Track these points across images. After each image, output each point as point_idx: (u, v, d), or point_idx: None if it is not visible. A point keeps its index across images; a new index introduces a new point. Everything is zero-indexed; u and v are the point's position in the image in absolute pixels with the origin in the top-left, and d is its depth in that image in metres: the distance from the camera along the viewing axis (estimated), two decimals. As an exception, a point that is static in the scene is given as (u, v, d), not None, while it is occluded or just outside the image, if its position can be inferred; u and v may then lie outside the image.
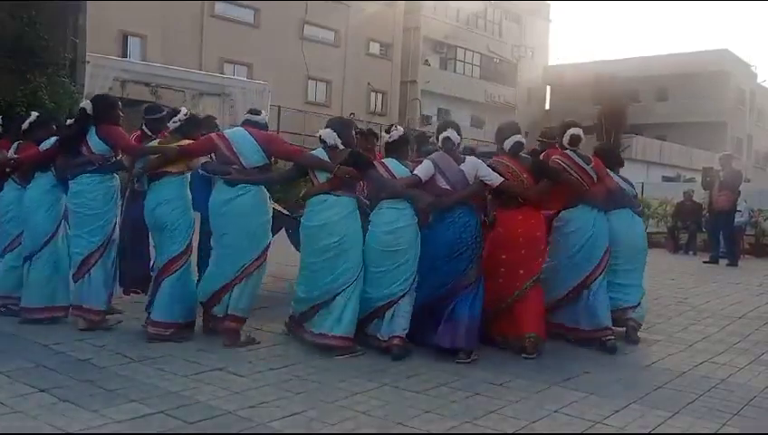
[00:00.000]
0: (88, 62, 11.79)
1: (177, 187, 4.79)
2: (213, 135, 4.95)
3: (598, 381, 4.13)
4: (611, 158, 5.70)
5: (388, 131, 4.94)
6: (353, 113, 26.00)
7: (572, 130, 5.24)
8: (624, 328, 5.30)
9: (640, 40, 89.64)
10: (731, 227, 11.92)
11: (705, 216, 13.63)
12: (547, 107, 42.65)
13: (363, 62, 31.01)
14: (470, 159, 4.87)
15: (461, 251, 4.62)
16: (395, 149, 4.87)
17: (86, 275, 4.83)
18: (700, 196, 14.33)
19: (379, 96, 32.25)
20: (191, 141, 4.86)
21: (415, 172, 4.70)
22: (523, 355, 4.62)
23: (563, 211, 5.23)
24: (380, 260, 4.59)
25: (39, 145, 5.25)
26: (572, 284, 5.10)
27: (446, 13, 34.74)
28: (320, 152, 4.74)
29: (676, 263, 12.11)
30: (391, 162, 4.80)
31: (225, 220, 4.66)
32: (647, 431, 3.30)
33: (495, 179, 4.81)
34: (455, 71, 36.38)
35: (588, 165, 5.21)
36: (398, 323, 4.55)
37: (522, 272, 4.82)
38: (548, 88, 43.44)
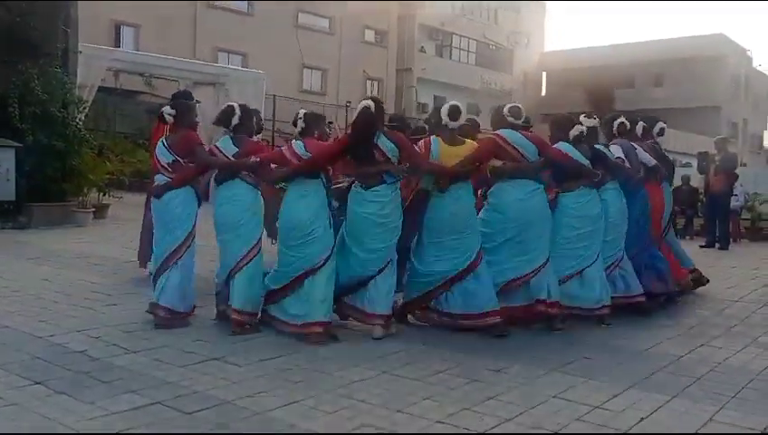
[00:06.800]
0: (80, 52, 11.68)
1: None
2: (495, 138, 5.08)
3: (596, 366, 4.13)
4: None
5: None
6: (349, 102, 25.91)
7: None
8: None
9: (636, 25, 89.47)
10: (726, 210, 11.92)
11: (701, 200, 13.62)
12: (543, 93, 42.55)
13: (359, 49, 30.88)
14: (639, 148, 5.97)
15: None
16: (594, 135, 5.61)
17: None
18: (696, 180, 14.32)
19: (375, 84, 32.12)
20: (478, 147, 5.01)
21: (619, 156, 5.74)
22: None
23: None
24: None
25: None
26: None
27: (441, -1, 34.54)
28: (566, 146, 5.28)
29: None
30: (567, 147, 5.40)
31: (522, 217, 4.95)
32: (645, 415, 3.29)
33: (650, 162, 6.07)
34: (450, 58, 36.23)
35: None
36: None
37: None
38: (544, 74, 43.31)
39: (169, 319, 4.71)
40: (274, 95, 19.83)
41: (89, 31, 14.40)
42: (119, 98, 20.21)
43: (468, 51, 37.06)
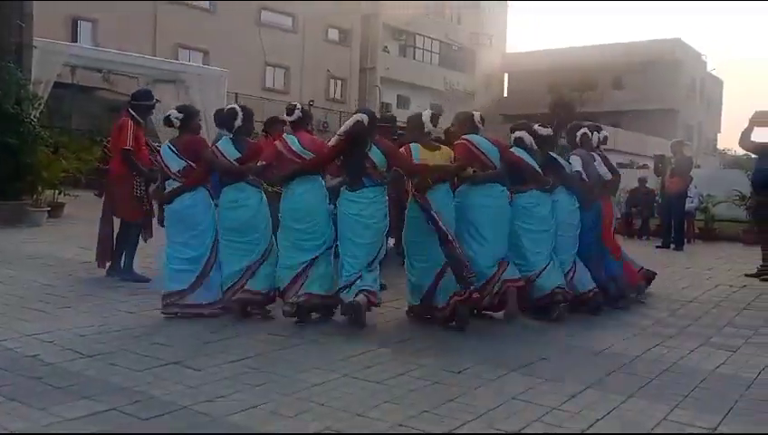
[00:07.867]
0: (35, 47, 11.39)
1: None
2: (467, 144, 5.29)
3: (554, 367, 4.19)
4: None
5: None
6: (312, 101, 25.81)
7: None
8: None
9: (597, 28, 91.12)
10: (681, 212, 12.23)
11: (657, 201, 13.96)
12: (505, 94, 43.02)
13: (322, 48, 30.80)
14: (598, 157, 6.15)
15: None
16: (548, 144, 5.86)
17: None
18: (653, 182, 14.67)
19: (339, 83, 32.07)
20: (459, 151, 5.24)
21: (578, 169, 5.90)
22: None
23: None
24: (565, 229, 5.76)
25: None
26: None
27: (405, -1, 34.65)
28: (520, 151, 5.59)
29: (629, 248, 12.33)
30: (521, 152, 5.64)
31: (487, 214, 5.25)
32: (601, 416, 3.35)
33: (607, 175, 6.16)
34: (414, 58, 36.41)
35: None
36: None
37: None
38: (506, 75, 43.80)
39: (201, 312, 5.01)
40: (236, 93, 19.66)
41: (44, 25, 14.03)
42: (75, 94, 19.77)
43: (432, 51, 37.30)
